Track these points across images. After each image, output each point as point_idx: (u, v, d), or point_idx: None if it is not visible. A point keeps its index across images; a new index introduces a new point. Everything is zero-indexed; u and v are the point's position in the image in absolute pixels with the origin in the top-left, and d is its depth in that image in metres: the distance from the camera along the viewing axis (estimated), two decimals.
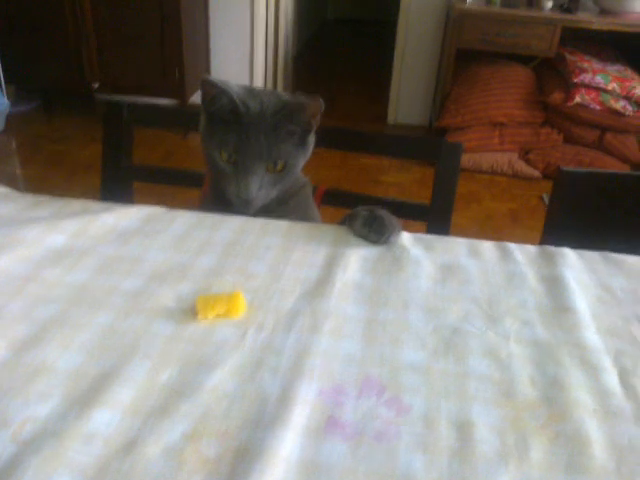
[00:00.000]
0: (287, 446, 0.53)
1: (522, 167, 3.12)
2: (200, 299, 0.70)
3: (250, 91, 0.92)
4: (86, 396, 0.57)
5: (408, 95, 3.81)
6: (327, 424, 0.56)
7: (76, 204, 0.93)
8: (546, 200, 2.83)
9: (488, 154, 3.15)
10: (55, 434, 0.52)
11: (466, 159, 3.06)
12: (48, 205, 0.92)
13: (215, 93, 0.88)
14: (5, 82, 3.39)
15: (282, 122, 0.89)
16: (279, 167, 0.90)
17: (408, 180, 3.03)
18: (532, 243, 0.92)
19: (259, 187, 0.89)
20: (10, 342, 0.63)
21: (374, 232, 0.87)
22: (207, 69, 3.73)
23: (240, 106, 0.87)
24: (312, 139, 0.96)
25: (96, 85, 3.47)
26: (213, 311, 0.68)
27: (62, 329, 0.66)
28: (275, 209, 0.96)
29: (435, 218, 1.18)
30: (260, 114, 0.88)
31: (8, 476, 0.49)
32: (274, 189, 0.92)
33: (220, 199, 0.95)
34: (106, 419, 0.54)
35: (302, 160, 0.94)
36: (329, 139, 1.32)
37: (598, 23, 3.01)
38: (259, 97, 0.91)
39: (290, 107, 0.89)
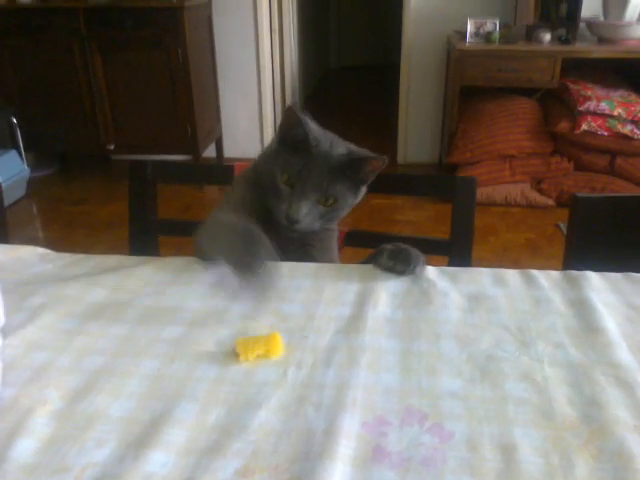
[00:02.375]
0: (337, 476, 0.54)
1: (536, 197, 3.15)
2: (240, 342, 0.73)
3: (324, 132, 1.00)
4: (140, 440, 0.59)
5: (416, 134, 3.89)
6: (374, 453, 0.58)
7: (112, 260, 0.97)
8: (562, 228, 2.85)
9: (500, 186, 3.18)
10: (115, 477, 0.55)
11: (479, 193, 3.08)
12: (85, 262, 0.96)
13: (293, 121, 0.95)
14: (25, 149, 3.51)
15: (344, 166, 0.96)
16: (330, 202, 0.96)
17: (422, 217, 3.07)
18: (553, 270, 0.94)
19: (308, 213, 0.95)
20: (64, 393, 0.66)
21: (400, 263, 0.90)
22: (218, 123, 3.84)
23: (311, 139, 0.94)
24: (364, 190, 1.02)
25: (112, 146, 3.58)
26: (253, 352, 0.71)
27: (111, 378, 0.68)
28: (303, 236, 1.02)
29: (456, 253, 1.20)
30: (327, 152, 0.96)
31: None
32: (318, 221, 0.97)
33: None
34: (162, 460, 0.57)
35: (350, 205, 1.00)
36: None
37: (597, 52, 3.08)
38: (330, 139, 0.99)
39: (356, 156, 0.97)
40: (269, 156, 1.00)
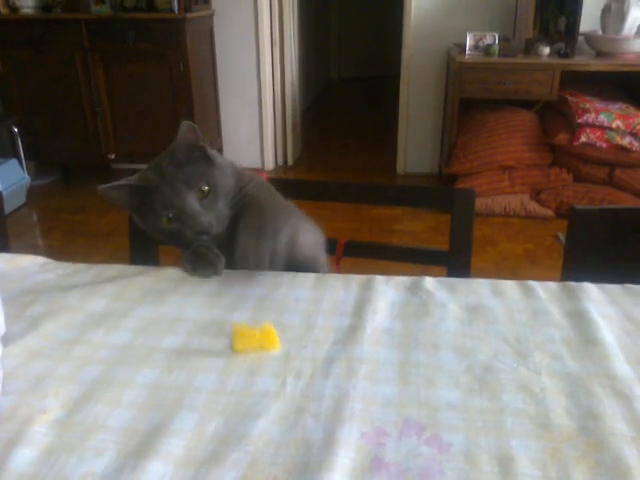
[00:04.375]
0: None
1: (535, 207, 3.16)
2: (236, 326, 0.76)
3: (144, 169, 0.98)
4: (139, 450, 0.59)
5: (415, 145, 3.90)
6: (372, 465, 0.58)
7: (112, 269, 0.97)
8: (561, 238, 2.85)
9: (500, 197, 3.20)
10: None
11: (478, 203, 3.10)
12: (86, 272, 0.97)
13: (113, 194, 0.94)
14: (25, 158, 3.53)
15: (179, 159, 0.94)
16: (206, 191, 0.94)
17: (422, 228, 3.08)
18: (551, 282, 0.94)
19: (205, 215, 0.93)
20: (63, 402, 0.66)
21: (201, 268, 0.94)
22: (218, 135, 3.86)
23: (139, 182, 0.94)
24: (214, 152, 0.99)
25: (112, 156, 3.60)
26: (249, 342, 0.75)
27: (110, 387, 0.69)
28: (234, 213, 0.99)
29: (455, 263, 1.21)
30: (158, 170, 0.94)
31: None
32: (217, 209, 0.95)
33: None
34: (160, 471, 0.57)
35: (221, 174, 0.97)
36: (343, 193, 1.37)
37: (595, 65, 3.11)
38: (153, 164, 0.98)
39: (172, 148, 0.95)
40: (147, 230, 0.98)
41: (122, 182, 0.94)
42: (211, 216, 0.94)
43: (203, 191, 0.94)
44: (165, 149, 0.98)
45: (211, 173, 0.96)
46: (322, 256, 1.10)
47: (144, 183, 0.94)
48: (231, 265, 0.97)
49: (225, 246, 0.97)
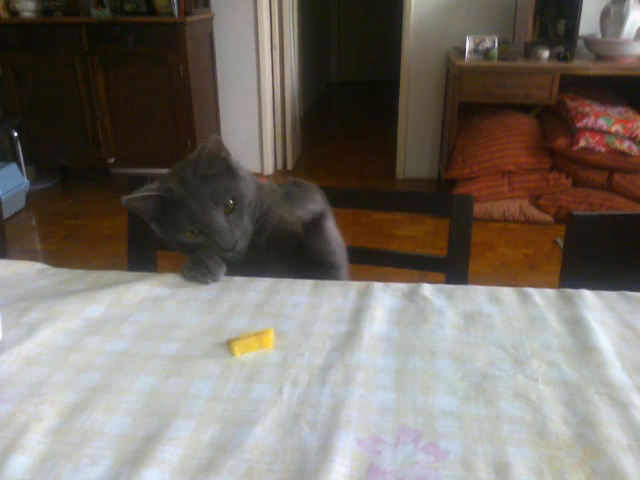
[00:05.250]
0: None
1: (534, 213, 3.16)
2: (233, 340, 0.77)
3: (163, 177, 0.97)
4: (135, 457, 0.59)
5: (415, 150, 3.91)
6: (368, 472, 0.58)
7: (110, 275, 0.97)
8: (559, 244, 2.85)
9: (499, 202, 3.20)
10: None
11: (477, 208, 3.11)
12: (83, 278, 0.97)
13: (144, 204, 0.94)
14: (25, 163, 3.53)
15: (203, 173, 0.93)
16: (231, 206, 0.94)
17: (421, 232, 3.08)
18: (550, 287, 0.94)
19: (231, 231, 0.93)
20: (59, 410, 0.66)
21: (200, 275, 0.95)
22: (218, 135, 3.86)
23: (164, 192, 0.93)
24: (237, 164, 0.98)
25: (112, 160, 3.61)
26: (246, 343, 0.77)
27: (106, 395, 0.69)
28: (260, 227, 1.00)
29: (453, 269, 1.21)
30: (181, 182, 0.93)
31: None
32: (244, 224, 0.95)
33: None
34: (156, 478, 0.57)
35: (245, 187, 0.97)
36: (342, 199, 1.37)
37: (594, 69, 3.11)
38: (173, 174, 0.96)
39: (197, 159, 0.93)
40: (167, 241, 0.98)
41: (146, 192, 0.93)
42: (237, 233, 0.94)
43: (229, 206, 0.94)
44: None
45: (236, 187, 0.95)
46: (345, 262, 1.09)
47: (168, 194, 0.93)
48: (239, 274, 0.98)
49: (242, 259, 0.97)
